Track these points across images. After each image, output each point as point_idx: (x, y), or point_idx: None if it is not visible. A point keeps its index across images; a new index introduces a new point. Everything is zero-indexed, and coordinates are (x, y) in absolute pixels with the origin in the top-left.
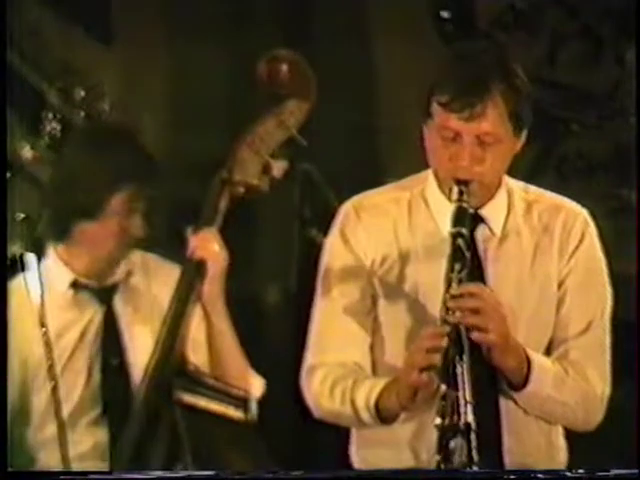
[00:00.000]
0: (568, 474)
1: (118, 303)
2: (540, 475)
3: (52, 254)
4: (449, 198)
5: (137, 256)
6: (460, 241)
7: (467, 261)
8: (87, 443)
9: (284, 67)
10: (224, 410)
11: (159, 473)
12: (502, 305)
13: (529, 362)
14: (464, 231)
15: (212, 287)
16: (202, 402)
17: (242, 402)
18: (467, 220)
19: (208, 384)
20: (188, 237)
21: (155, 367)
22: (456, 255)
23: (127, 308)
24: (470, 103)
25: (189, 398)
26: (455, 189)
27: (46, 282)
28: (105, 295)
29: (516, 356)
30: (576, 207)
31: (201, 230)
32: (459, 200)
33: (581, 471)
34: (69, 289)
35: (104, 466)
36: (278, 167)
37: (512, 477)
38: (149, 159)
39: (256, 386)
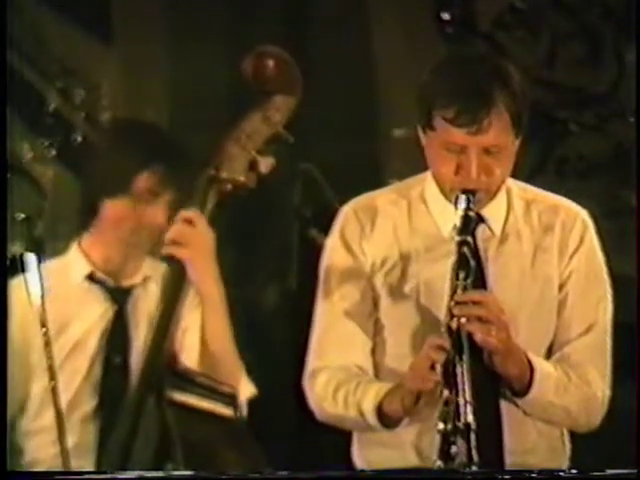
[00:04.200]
0: (562, 474)
1: (130, 306)
2: (534, 475)
3: (74, 246)
4: (454, 204)
5: (156, 265)
6: (465, 249)
7: (472, 269)
8: (76, 438)
9: (270, 63)
10: (214, 408)
11: (151, 473)
12: (505, 313)
13: (531, 369)
14: (469, 239)
15: (198, 273)
16: (192, 400)
17: (232, 399)
18: (472, 229)
19: (198, 382)
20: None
21: (145, 365)
22: (461, 263)
23: (138, 312)
24: (477, 118)
25: (179, 396)
26: (462, 197)
27: (63, 272)
28: (119, 295)
29: (518, 363)
30: (574, 207)
31: (180, 217)
32: (466, 209)
33: (574, 471)
34: (84, 281)
35: (92, 463)
36: (265, 163)
37: (507, 477)
38: (173, 145)
39: (245, 391)
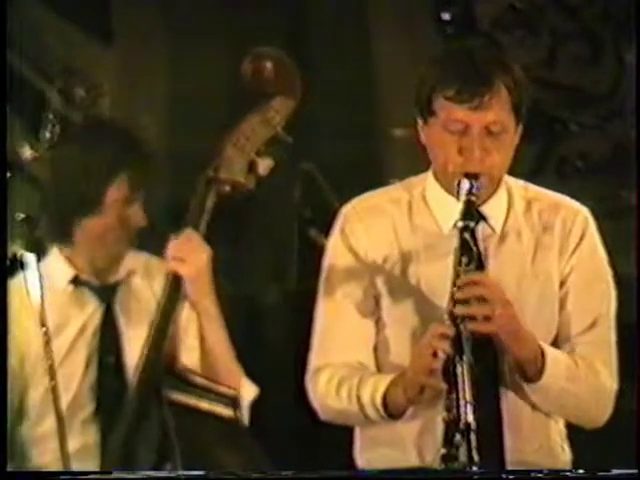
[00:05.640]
0: (568, 474)
1: (118, 302)
2: (540, 475)
3: (54, 251)
4: (457, 192)
5: (140, 257)
6: (468, 235)
7: (474, 254)
8: (79, 442)
9: (269, 65)
10: (213, 408)
11: (151, 473)
12: (505, 294)
13: (543, 353)
14: (472, 225)
15: (196, 288)
16: (191, 401)
17: (231, 400)
18: (475, 214)
19: (197, 383)
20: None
21: (144, 366)
22: (464, 248)
23: (127, 308)
24: (478, 92)
25: (178, 397)
26: (465, 182)
27: (47, 278)
28: (105, 293)
29: (529, 346)
30: (575, 205)
31: (180, 233)
32: (468, 194)
33: (581, 471)
34: (69, 285)
35: (95, 465)
36: (264, 165)
37: (511, 477)
38: (143, 148)
39: (247, 393)
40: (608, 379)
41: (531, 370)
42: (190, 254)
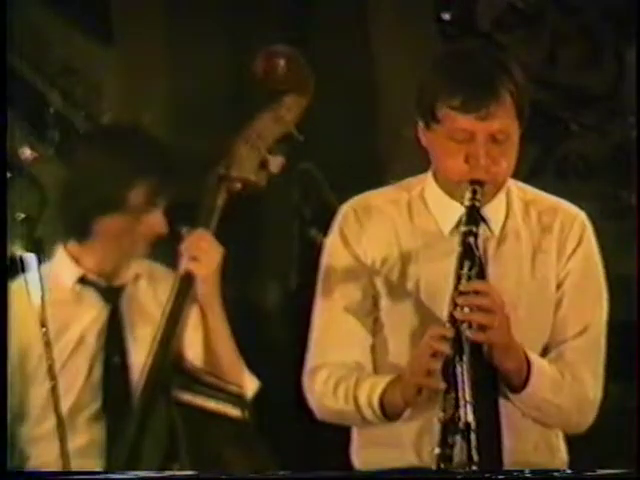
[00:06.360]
0: (556, 474)
1: (124, 304)
2: (528, 475)
3: (60, 250)
4: (460, 197)
5: (144, 264)
6: (471, 240)
7: (477, 260)
8: (84, 439)
9: (281, 62)
10: (221, 408)
11: (148, 473)
12: (505, 306)
13: (529, 364)
14: (475, 229)
15: (206, 287)
16: (199, 400)
17: (239, 400)
18: (478, 219)
19: (205, 382)
20: (184, 236)
21: (152, 365)
22: (466, 253)
23: (132, 310)
24: (484, 103)
25: (186, 396)
26: (470, 189)
27: (53, 277)
28: (112, 295)
29: (516, 358)
30: (574, 209)
31: (194, 231)
32: (472, 199)
33: (569, 471)
34: (76, 284)
35: (100, 463)
36: (275, 163)
37: (501, 477)
38: (166, 154)
39: (249, 386)
40: (593, 388)
41: (515, 381)
42: (204, 254)
